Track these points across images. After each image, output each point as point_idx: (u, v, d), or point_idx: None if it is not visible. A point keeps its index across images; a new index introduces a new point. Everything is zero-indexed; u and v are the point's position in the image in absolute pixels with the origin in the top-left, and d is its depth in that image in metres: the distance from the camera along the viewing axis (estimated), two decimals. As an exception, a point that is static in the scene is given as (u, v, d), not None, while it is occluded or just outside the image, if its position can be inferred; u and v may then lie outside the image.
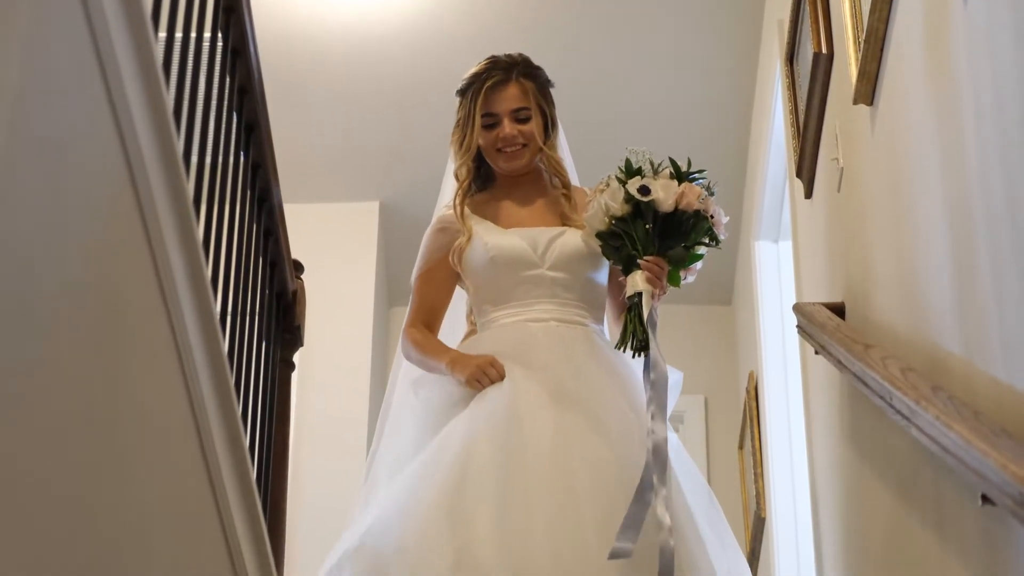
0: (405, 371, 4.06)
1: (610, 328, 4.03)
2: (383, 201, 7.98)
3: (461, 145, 4.05)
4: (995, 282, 2.30)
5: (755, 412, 6.80)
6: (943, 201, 2.69)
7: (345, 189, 7.88)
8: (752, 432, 6.85)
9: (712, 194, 3.76)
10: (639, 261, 3.71)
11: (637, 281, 3.70)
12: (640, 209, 3.71)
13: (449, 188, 4.15)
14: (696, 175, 3.76)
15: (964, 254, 2.53)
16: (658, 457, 3.45)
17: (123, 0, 2.46)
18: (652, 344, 3.64)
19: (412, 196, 7.84)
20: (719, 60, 6.92)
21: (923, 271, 2.92)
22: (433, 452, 3.66)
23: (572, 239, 3.92)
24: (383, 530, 3.54)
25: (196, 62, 3.22)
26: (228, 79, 3.72)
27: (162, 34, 2.85)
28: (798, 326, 4.02)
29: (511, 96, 4.01)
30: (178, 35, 3.07)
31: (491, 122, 4.00)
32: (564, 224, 3.98)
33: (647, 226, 3.71)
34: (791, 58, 4.93)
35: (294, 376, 4.59)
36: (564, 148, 4.15)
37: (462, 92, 4.07)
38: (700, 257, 3.81)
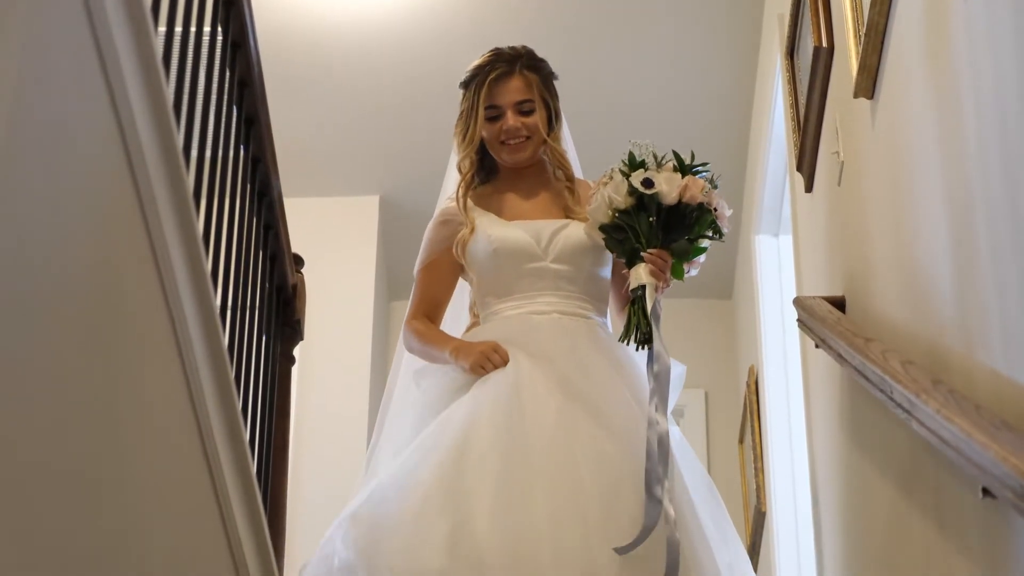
0: (407, 363, 4.06)
1: (613, 321, 4.03)
2: (383, 195, 7.98)
3: (464, 137, 4.04)
4: (995, 275, 2.30)
5: (755, 406, 6.80)
6: (943, 194, 2.69)
7: (345, 183, 7.88)
8: (752, 426, 6.85)
9: (716, 187, 3.76)
10: (643, 254, 3.70)
11: (641, 274, 3.69)
12: (644, 202, 3.71)
13: (452, 180, 4.14)
14: (700, 168, 3.75)
15: (965, 247, 2.53)
16: (661, 450, 3.45)
17: (123, -7, 2.47)
18: (656, 337, 3.64)
19: (412, 190, 7.84)
20: (719, 54, 6.91)
21: (924, 264, 2.91)
22: (433, 432, 3.66)
23: (575, 232, 3.92)
24: (379, 502, 3.54)
25: (196, 56, 3.22)
26: (228, 73, 3.72)
27: (162, 28, 2.85)
28: (798, 320, 4.02)
29: (515, 88, 4.01)
30: (178, 29, 3.07)
31: (494, 114, 4.00)
32: (567, 217, 3.98)
33: (651, 219, 3.70)
34: (791, 52, 4.92)
35: (294, 370, 4.59)
36: (568, 140, 4.14)
37: (465, 84, 4.07)
38: (704, 250, 3.80)
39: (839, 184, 4.03)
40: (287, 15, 6.74)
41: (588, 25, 6.70)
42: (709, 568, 3.47)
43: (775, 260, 6.73)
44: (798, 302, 4.07)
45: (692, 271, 3.82)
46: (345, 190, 7.91)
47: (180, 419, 2.91)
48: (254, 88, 3.90)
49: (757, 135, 6.82)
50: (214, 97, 3.48)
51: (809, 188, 4.70)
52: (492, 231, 3.94)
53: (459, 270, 4.05)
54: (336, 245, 7.75)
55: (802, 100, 4.66)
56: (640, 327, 3.67)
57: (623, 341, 3.73)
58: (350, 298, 7.78)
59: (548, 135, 4.03)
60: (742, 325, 7.84)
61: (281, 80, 6.62)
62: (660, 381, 3.58)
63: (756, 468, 6.69)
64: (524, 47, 4.09)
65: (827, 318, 3.60)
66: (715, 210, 3.75)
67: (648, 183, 3.69)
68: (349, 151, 7.64)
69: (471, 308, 4.11)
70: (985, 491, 2.11)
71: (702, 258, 3.82)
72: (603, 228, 3.79)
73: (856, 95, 3.48)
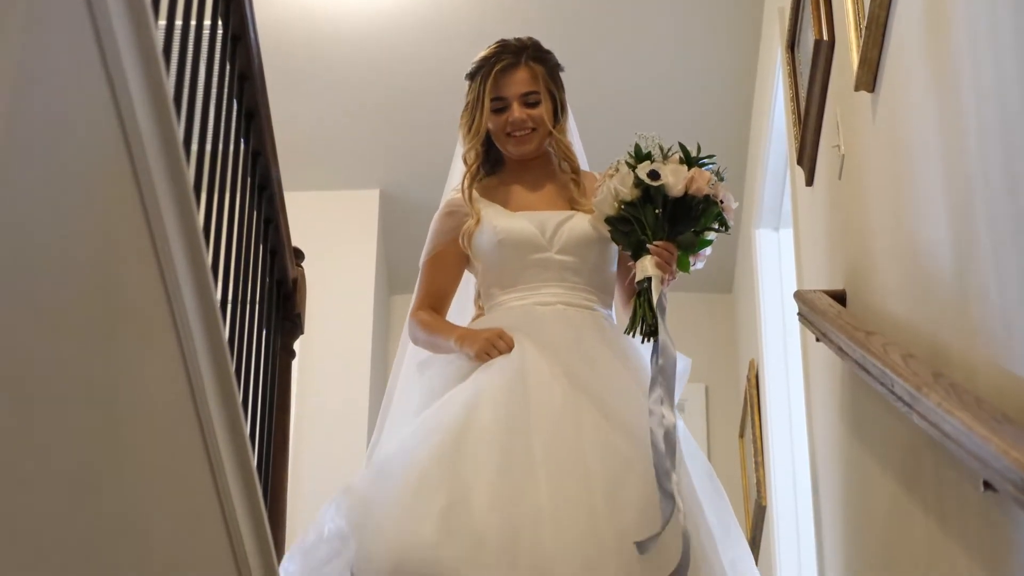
0: (411, 355, 4.06)
1: (618, 314, 4.03)
2: (383, 189, 7.98)
3: (470, 129, 4.04)
4: (996, 268, 2.30)
5: (756, 400, 6.80)
6: (944, 187, 2.69)
7: (345, 177, 7.88)
8: (753, 420, 6.85)
9: (722, 179, 3.76)
10: (648, 246, 3.70)
11: (647, 266, 3.69)
12: (650, 194, 3.71)
13: (457, 172, 4.14)
14: (706, 160, 3.76)
15: (965, 240, 2.53)
16: (668, 443, 3.45)
17: (123, -13, 2.46)
18: (661, 329, 3.63)
19: (412, 184, 7.84)
20: (720, 47, 6.91)
21: (924, 258, 2.91)
22: (434, 413, 3.66)
23: (580, 223, 3.92)
24: (375, 477, 3.55)
25: (196, 49, 3.22)
26: (228, 66, 3.71)
27: (162, 21, 2.85)
28: (799, 313, 4.02)
29: (520, 80, 4.01)
30: (178, 22, 3.06)
31: (500, 106, 4.00)
32: (573, 208, 3.98)
33: (656, 211, 3.70)
34: (792, 45, 4.92)
35: (294, 364, 4.59)
36: (574, 132, 4.14)
37: (471, 76, 4.07)
38: (709, 243, 3.80)
39: (840, 178, 4.03)
40: (287, 9, 6.74)
41: (588, 18, 6.70)
42: (715, 564, 3.47)
43: (775, 254, 6.73)
44: (799, 296, 4.07)
45: (698, 264, 3.82)
46: (345, 184, 7.91)
47: (180, 413, 2.91)
48: (254, 81, 3.90)
49: (758, 129, 6.81)
50: (214, 90, 3.48)
51: (810, 182, 4.70)
52: (497, 222, 3.94)
53: (465, 262, 4.05)
54: (336, 239, 7.76)
55: (803, 93, 4.66)
56: (646, 319, 3.67)
57: (628, 333, 3.72)
58: (350, 292, 7.78)
59: (554, 127, 4.03)
60: (742, 319, 7.84)
61: (281, 73, 6.61)
62: (666, 373, 3.58)
63: (756, 462, 6.69)
64: (530, 39, 4.09)
65: (828, 312, 3.60)
66: (721, 202, 3.75)
67: (654, 175, 3.69)
68: (349, 145, 7.65)
69: (476, 300, 4.11)
70: (986, 484, 2.11)
71: (708, 251, 3.83)
72: (609, 220, 3.79)
73: (857, 88, 3.48)
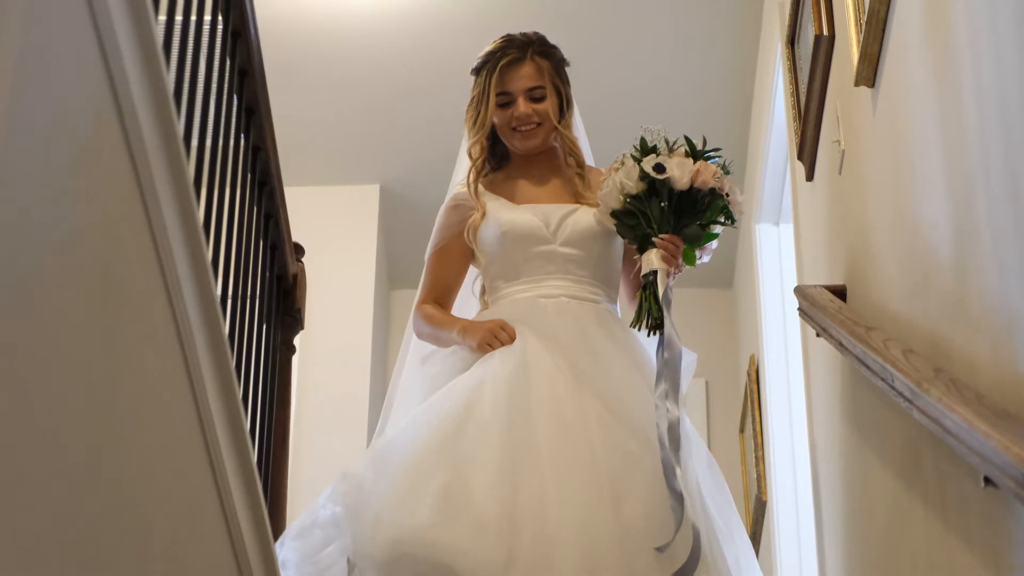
0: (415, 349, 4.06)
1: (624, 308, 4.03)
2: (383, 184, 7.98)
3: (475, 123, 4.04)
4: (998, 263, 2.30)
5: (756, 395, 6.80)
6: (945, 183, 2.69)
7: (345, 172, 7.88)
8: (753, 415, 6.85)
9: (728, 172, 3.76)
10: (654, 239, 3.70)
11: (652, 259, 3.69)
12: (655, 187, 3.71)
13: (463, 166, 4.14)
14: (711, 153, 3.75)
15: (966, 236, 2.53)
16: (672, 437, 3.45)
17: (123, -18, 2.46)
18: (667, 322, 3.63)
19: (412, 179, 7.85)
20: (720, 43, 6.90)
21: (925, 253, 2.91)
22: (434, 403, 3.66)
23: (585, 216, 3.92)
24: (374, 463, 3.54)
25: (196, 44, 3.21)
26: (228, 61, 3.71)
27: (162, 16, 2.85)
28: (799, 308, 4.02)
29: (526, 75, 4.01)
30: (178, 17, 3.06)
31: (506, 101, 4.00)
32: (578, 203, 3.98)
33: (662, 204, 3.70)
34: (792, 40, 4.92)
35: (294, 359, 4.59)
36: (580, 128, 4.14)
37: (477, 70, 4.07)
38: (715, 236, 3.80)
39: (840, 173, 4.03)
40: (287, 4, 6.73)
41: (589, 14, 6.69)
42: (721, 563, 3.47)
43: (776, 249, 6.73)
44: (799, 291, 4.07)
45: (704, 257, 3.82)
46: (345, 179, 7.92)
47: (180, 409, 2.91)
48: (254, 77, 3.89)
49: (758, 124, 6.81)
50: (214, 86, 3.48)
51: (810, 177, 4.69)
52: (502, 215, 3.94)
53: (470, 256, 4.05)
54: (337, 234, 7.76)
55: (803, 89, 4.66)
56: (652, 312, 3.67)
57: (634, 327, 3.73)
58: (350, 287, 7.78)
59: (559, 122, 4.03)
60: (743, 314, 7.84)
61: (282, 69, 6.61)
62: (671, 367, 3.58)
63: (757, 457, 6.69)
64: (536, 33, 4.09)
65: (828, 307, 3.60)
66: (727, 195, 3.75)
67: (660, 168, 3.69)
68: (349, 140, 7.64)
69: (481, 296, 4.11)
70: (987, 480, 2.10)
71: (714, 244, 3.83)
72: (615, 214, 3.79)
73: (857, 83, 3.48)
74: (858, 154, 3.74)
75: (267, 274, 4.17)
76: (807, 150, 4.63)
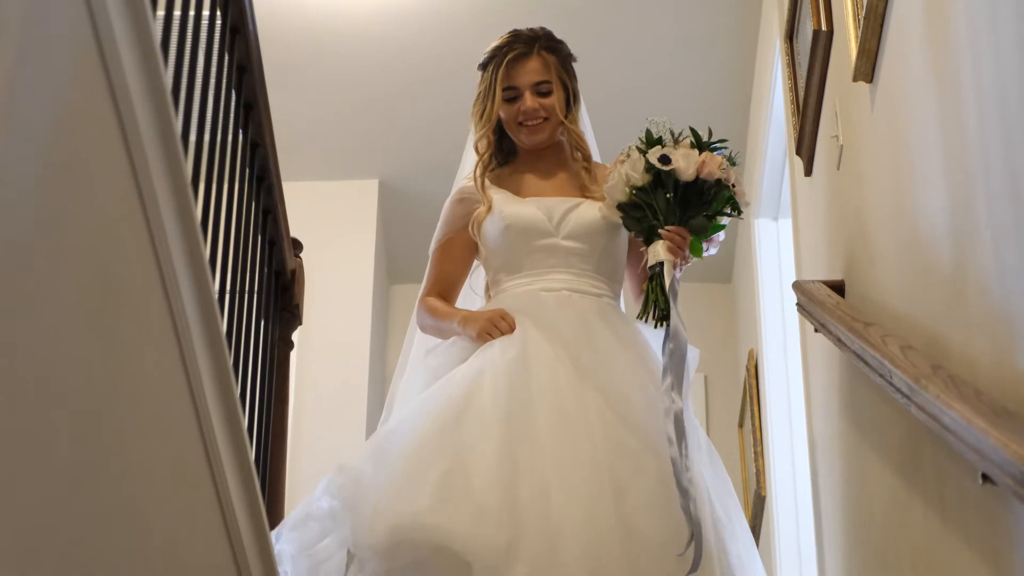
0: (419, 342, 4.06)
1: (629, 303, 4.04)
2: (382, 179, 7.98)
3: (481, 117, 4.05)
4: (997, 260, 2.30)
5: (755, 390, 6.80)
6: (944, 178, 2.69)
7: (344, 167, 7.88)
8: (752, 410, 6.85)
9: (734, 164, 3.76)
10: (660, 231, 3.70)
11: (659, 251, 3.68)
12: (661, 178, 3.71)
13: (469, 160, 4.15)
14: (717, 144, 3.75)
15: (966, 232, 2.52)
16: (677, 427, 3.44)
17: (121, -22, 2.45)
18: (673, 313, 3.63)
19: (411, 174, 7.85)
20: (719, 38, 6.90)
21: (924, 249, 2.91)
22: (433, 393, 3.66)
23: (589, 210, 3.92)
24: (371, 453, 3.54)
25: (195, 40, 3.21)
26: (227, 57, 3.71)
27: (160, 12, 2.84)
28: (797, 304, 4.02)
29: (533, 69, 4.01)
30: (176, 13, 3.06)
31: (512, 95, 4.00)
32: (584, 197, 3.98)
33: (668, 195, 3.70)
34: (791, 35, 4.92)
35: (293, 355, 4.58)
36: (586, 123, 4.14)
37: (483, 65, 4.07)
38: (722, 227, 3.80)
39: (838, 168, 4.03)
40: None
41: (587, 11, 6.69)
42: (724, 554, 3.46)
43: (775, 244, 6.73)
44: (797, 286, 4.06)
45: (711, 250, 3.82)
46: (344, 174, 7.92)
47: (178, 406, 2.91)
48: (253, 73, 3.89)
49: (757, 118, 6.81)
50: (213, 81, 3.48)
51: (809, 172, 4.69)
52: (505, 208, 3.94)
53: (474, 249, 4.05)
54: (336, 229, 7.76)
55: (801, 84, 4.66)
56: (658, 304, 3.67)
57: (641, 319, 3.72)
58: (349, 282, 7.78)
59: (566, 116, 4.03)
60: (742, 309, 7.84)
61: (280, 64, 6.61)
62: (676, 359, 3.57)
63: (756, 452, 6.69)
64: (542, 28, 4.09)
65: (826, 302, 3.59)
66: (733, 186, 3.75)
67: (665, 159, 3.69)
68: (348, 135, 7.64)
69: (486, 291, 4.11)
70: (985, 477, 2.10)
71: (721, 236, 3.83)
72: (621, 207, 3.79)
73: (855, 79, 3.48)
74: (856, 149, 3.74)
75: (265, 270, 4.17)
76: (805, 145, 4.62)
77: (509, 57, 4.01)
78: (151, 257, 2.69)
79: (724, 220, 3.80)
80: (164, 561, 2.76)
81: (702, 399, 8.16)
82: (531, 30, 4.07)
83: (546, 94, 4.00)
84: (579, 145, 4.07)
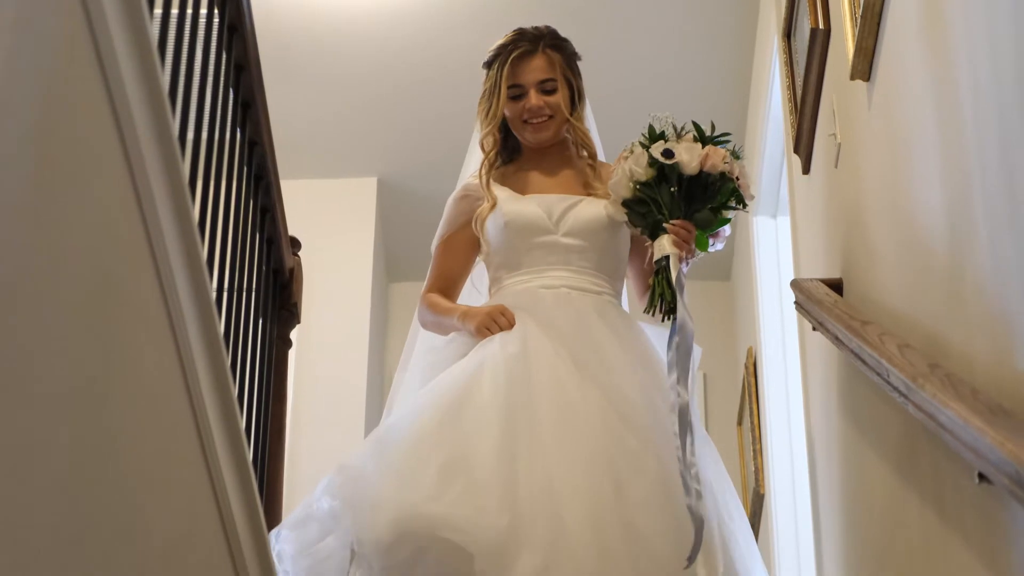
0: (422, 341, 4.06)
1: (633, 302, 4.04)
2: (381, 177, 7.98)
3: (487, 115, 4.05)
4: (993, 257, 2.29)
5: (754, 388, 6.80)
6: (940, 177, 2.69)
7: (343, 165, 7.88)
8: (751, 408, 6.85)
9: (738, 157, 3.76)
10: (665, 225, 3.70)
11: (664, 244, 3.68)
12: (664, 172, 3.71)
13: (474, 158, 4.15)
14: (720, 138, 3.75)
15: (962, 230, 2.52)
16: (682, 421, 3.44)
17: (117, -23, 2.45)
18: (680, 307, 3.63)
19: (410, 172, 7.85)
20: (717, 36, 6.90)
21: (921, 247, 2.91)
22: (432, 386, 3.66)
23: (590, 207, 3.93)
24: (370, 450, 3.54)
25: (192, 38, 3.21)
26: (224, 56, 3.71)
27: (158, 10, 2.84)
28: (796, 302, 4.02)
29: (537, 67, 4.01)
30: (174, 11, 3.06)
31: (517, 93, 4.01)
32: (589, 194, 3.98)
33: (672, 189, 3.70)
34: (788, 33, 4.92)
35: (291, 353, 4.59)
36: (591, 122, 4.15)
37: (488, 64, 4.07)
38: (727, 221, 3.80)
39: (836, 166, 4.03)
40: (285, -2, 6.73)
41: (585, 9, 6.69)
42: (726, 555, 3.46)
43: (773, 241, 6.73)
44: (795, 284, 4.06)
45: (717, 244, 3.82)
46: (343, 172, 7.92)
47: (175, 406, 2.91)
48: (250, 71, 3.89)
49: (755, 116, 6.81)
50: (210, 80, 3.47)
51: (806, 170, 4.69)
52: (505, 205, 3.95)
53: (476, 246, 4.05)
54: (334, 227, 7.77)
55: (799, 82, 4.65)
56: (665, 297, 3.67)
57: (648, 312, 3.73)
58: (348, 280, 7.79)
59: (571, 114, 4.03)
60: (741, 306, 7.84)
61: (279, 61, 6.61)
62: (682, 352, 3.57)
63: (755, 450, 6.69)
64: (547, 27, 4.11)
65: (824, 300, 3.59)
66: (737, 179, 3.75)
67: (668, 153, 3.69)
68: (347, 133, 7.64)
69: (489, 290, 4.11)
70: (981, 476, 2.10)
71: (727, 231, 3.83)
72: (626, 203, 3.79)
73: (852, 77, 3.48)
74: (854, 147, 3.74)
75: (263, 268, 4.17)
76: (803, 143, 4.62)
77: (514, 55, 4.01)
78: (148, 257, 2.69)
79: (729, 213, 3.80)
80: (162, 561, 2.76)
81: (701, 397, 8.16)
82: (536, 28, 4.08)
83: (551, 92, 4.01)
84: (585, 143, 4.07)
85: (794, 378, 6.04)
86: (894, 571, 3.27)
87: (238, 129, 3.85)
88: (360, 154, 7.81)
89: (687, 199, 3.72)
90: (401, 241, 8.22)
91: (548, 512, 3.29)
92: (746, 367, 7.04)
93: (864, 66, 3.40)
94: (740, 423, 7.47)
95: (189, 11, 3.18)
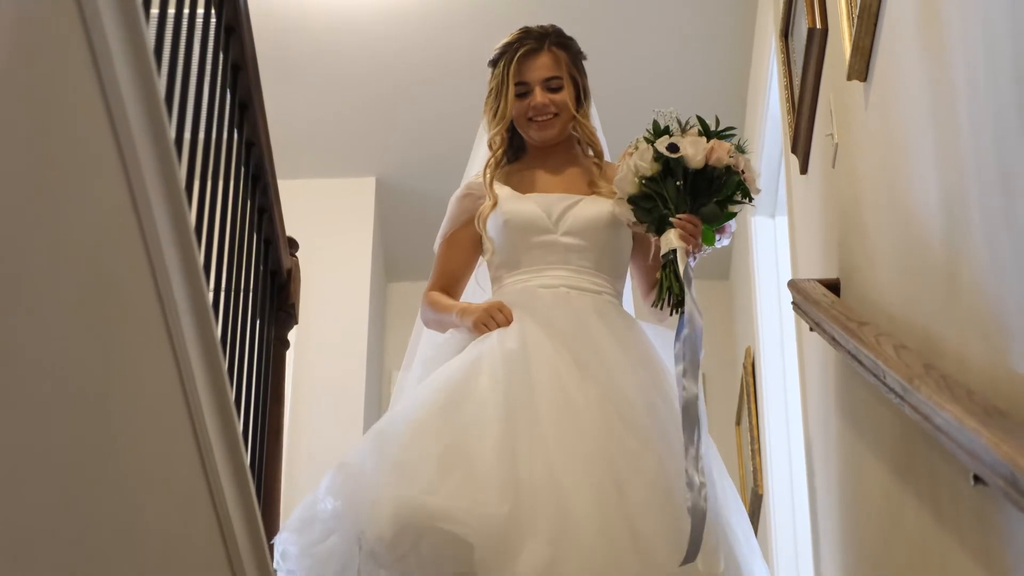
0: (425, 340, 4.06)
1: (638, 303, 4.04)
2: (379, 176, 7.97)
3: (496, 114, 4.04)
4: (989, 258, 2.29)
5: (752, 388, 6.79)
6: (937, 177, 2.69)
7: (341, 164, 7.88)
8: (749, 408, 6.84)
9: (743, 152, 3.76)
10: (671, 219, 3.69)
11: (671, 238, 3.68)
12: (670, 167, 3.70)
13: (479, 157, 4.14)
14: (725, 132, 3.75)
15: (958, 231, 2.52)
16: (688, 414, 3.43)
17: (113, -22, 2.45)
18: (688, 299, 3.62)
19: (409, 171, 7.85)
20: (716, 35, 6.90)
21: (917, 248, 2.91)
22: (430, 381, 3.65)
23: (590, 206, 3.92)
24: (369, 445, 3.53)
25: (189, 39, 3.21)
26: (222, 56, 3.71)
27: (154, 11, 2.84)
28: (793, 302, 4.02)
29: (543, 65, 4.01)
30: (171, 11, 3.06)
31: (523, 91, 4.01)
32: (593, 192, 3.98)
33: (678, 183, 3.70)
34: (786, 33, 4.91)
35: (290, 354, 4.58)
36: (595, 120, 4.14)
37: (494, 62, 4.07)
38: (733, 215, 3.80)
39: (833, 166, 4.03)
40: (282, -2, 6.73)
41: (584, 10, 6.69)
42: (728, 553, 3.46)
43: (772, 241, 6.73)
44: (793, 285, 4.06)
45: (723, 240, 3.82)
46: (341, 171, 7.92)
47: (172, 406, 2.91)
48: (248, 72, 3.89)
49: (753, 116, 6.81)
50: (207, 81, 3.47)
51: (804, 170, 4.69)
52: (505, 204, 3.95)
53: (478, 245, 4.04)
54: (333, 227, 7.76)
55: (796, 81, 4.65)
56: (673, 290, 3.67)
57: (656, 305, 3.73)
58: (347, 280, 7.78)
59: (577, 112, 4.03)
60: (739, 306, 7.83)
61: (276, 62, 6.61)
62: (692, 344, 3.57)
63: (753, 450, 6.69)
64: (552, 25, 4.11)
65: (821, 301, 3.59)
66: (742, 172, 3.75)
67: (673, 147, 3.69)
68: (345, 132, 7.64)
69: (491, 288, 4.10)
70: (976, 479, 2.10)
71: (733, 225, 3.82)
72: (631, 199, 3.78)
73: (849, 77, 3.48)
74: (851, 147, 3.74)
75: (261, 269, 4.18)
76: (801, 143, 4.62)
77: (520, 53, 4.01)
78: (144, 258, 2.69)
79: (735, 208, 3.80)
80: (159, 563, 2.77)
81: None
82: (541, 27, 4.08)
83: (556, 90, 4.01)
84: (591, 141, 4.07)
85: (792, 378, 6.04)
86: (891, 571, 3.27)
87: (235, 130, 3.85)
88: (359, 154, 7.81)
89: (693, 193, 3.72)
90: (400, 241, 8.21)
91: (553, 504, 3.29)
92: (744, 367, 7.03)
93: (861, 66, 3.40)
94: (738, 423, 7.46)
95: (186, 11, 3.18)
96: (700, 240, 3.71)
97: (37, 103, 2.17)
